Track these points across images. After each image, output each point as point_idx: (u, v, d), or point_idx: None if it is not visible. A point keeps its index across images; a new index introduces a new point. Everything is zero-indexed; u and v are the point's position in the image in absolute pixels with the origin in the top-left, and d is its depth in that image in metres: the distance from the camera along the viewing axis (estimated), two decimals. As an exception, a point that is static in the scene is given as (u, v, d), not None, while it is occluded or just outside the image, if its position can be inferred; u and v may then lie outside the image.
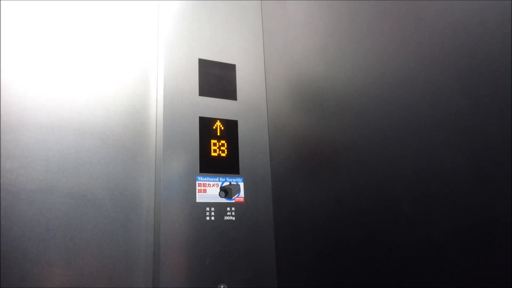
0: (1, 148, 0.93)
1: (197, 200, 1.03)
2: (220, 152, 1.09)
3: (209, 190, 1.05)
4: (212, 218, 1.03)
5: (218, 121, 1.11)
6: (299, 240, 0.97)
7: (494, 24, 0.51)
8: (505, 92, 0.49)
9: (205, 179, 1.05)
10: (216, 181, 1.06)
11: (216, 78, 1.15)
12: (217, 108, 1.12)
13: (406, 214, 0.63)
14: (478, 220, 0.52)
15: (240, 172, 1.10)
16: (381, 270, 0.69)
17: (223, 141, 1.10)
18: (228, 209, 1.06)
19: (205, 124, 1.09)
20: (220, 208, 1.05)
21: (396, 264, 0.65)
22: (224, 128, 1.11)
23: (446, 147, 0.57)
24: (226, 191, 1.06)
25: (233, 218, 1.05)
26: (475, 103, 0.53)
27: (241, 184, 1.09)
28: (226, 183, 1.07)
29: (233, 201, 1.06)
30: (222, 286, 0.98)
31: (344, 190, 0.80)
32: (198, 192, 1.03)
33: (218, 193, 1.05)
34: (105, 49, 1.11)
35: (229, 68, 1.18)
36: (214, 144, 1.08)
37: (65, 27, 1.07)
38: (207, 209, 1.03)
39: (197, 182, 1.04)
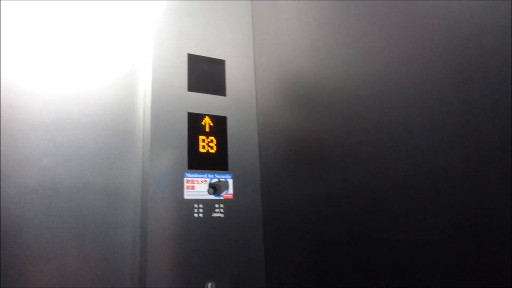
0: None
1: (185, 197, 1.01)
2: (209, 148, 1.07)
3: (197, 186, 1.03)
4: (201, 215, 1.02)
5: (207, 117, 1.09)
6: (288, 237, 0.97)
7: (487, 21, 0.51)
8: (497, 89, 0.49)
9: (194, 175, 1.04)
10: (204, 177, 1.05)
11: (205, 74, 1.13)
12: (206, 103, 1.11)
13: (397, 211, 0.63)
14: (470, 217, 0.52)
15: (229, 169, 1.08)
16: (371, 267, 0.69)
17: (211, 137, 1.08)
18: (217, 205, 1.04)
19: (194, 120, 1.07)
20: (208, 205, 1.03)
21: (387, 261, 0.65)
22: (213, 124, 1.10)
23: (437, 144, 0.57)
24: (214, 188, 1.05)
25: (222, 215, 1.04)
26: (467, 100, 0.53)
27: (230, 181, 1.08)
28: (214, 180, 1.06)
29: (222, 197, 1.05)
30: (210, 284, 0.97)
31: (333, 187, 0.80)
32: (186, 188, 1.02)
33: (206, 190, 1.04)
34: (98, 45, 1.09)
35: (219, 64, 1.16)
36: (203, 140, 1.07)
37: (65, 27, 1.07)
38: (195, 206, 1.02)
39: (185, 179, 1.02)
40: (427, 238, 0.58)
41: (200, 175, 1.04)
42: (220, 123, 1.11)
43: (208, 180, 1.05)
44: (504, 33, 0.48)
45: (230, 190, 1.07)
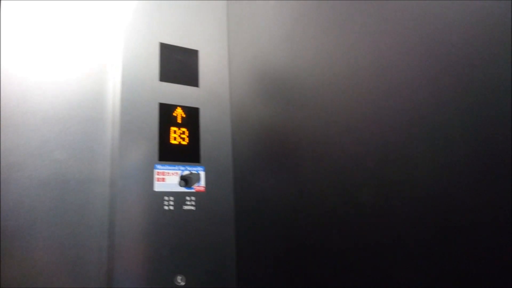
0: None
1: (155, 189, 0.99)
2: (181, 140, 1.05)
3: (168, 178, 1.01)
4: (171, 207, 1.00)
5: (179, 107, 1.07)
6: (259, 231, 0.97)
7: (461, 14, 0.52)
8: (465, 81, 0.50)
9: (164, 167, 1.02)
10: (175, 169, 1.03)
11: (178, 64, 1.11)
12: (178, 94, 1.09)
13: (369, 205, 0.64)
14: (441, 214, 0.53)
15: (201, 161, 1.07)
16: (342, 260, 0.69)
17: (183, 129, 1.06)
18: (188, 198, 1.03)
19: (165, 110, 1.05)
20: (179, 198, 1.02)
21: (356, 255, 0.66)
22: (185, 115, 1.07)
23: (410, 139, 0.57)
24: (186, 180, 1.03)
25: (193, 208, 1.03)
26: (437, 93, 0.54)
27: (202, 173, 1.06)
28: (186, 172, 1.04)
29: (193, 190, 1.04)
30: (180, 277, 0.96)
31: (306, 181, 0.80)
32: (157, 180, 0.99)
33: (177, 182, 1.02)
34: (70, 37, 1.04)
35: (192, 54, 1.14)
36: (174, 132, 1.05)
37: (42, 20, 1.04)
38: (166, 198, 1.00)
39: (155, 171, 1.00)
40: (398, 231, 0.58)
41: (171, 167, 1.02)
42: (192, 114, 1.09)
43: (179, 172, 1.03)
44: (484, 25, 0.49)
45: (202, 182, 1.06)
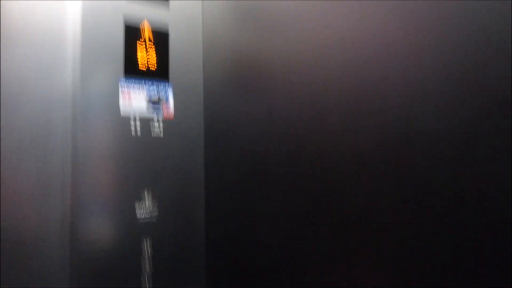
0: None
1: (121, 110, 0.94)
2: (148, 56, 0.99)
3: (134, 98, 0.96)
4: (138, 134, 0.96)
5: (146, 22, 1.00)
6: (229, 156, 0.95)
7: None
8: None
9: (130, 82, 0.96)
10: (142, 84, 0.97)
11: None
12: (146, 10, 1.02)
13: (338, 130, 0.64)
14: (403, 134, 0.53)
15: (169, 79, 1.02)
16: (308, 183, 0.70)
17: (150, 43, 1.00)
18: (157, 125, 0.99)
19: (132, 26, 0.98)
20: (147, 124, 0.97)
21: (324, 176, 0.66)
22: (152, 32, 1.01)
23: (378, 63, 0.57)
24: (154, 102, 0.99)
25: (161, 136, 0.99)
26: (408, 22, 0.53)
27: (170, 92, 1.02)
28: (153, 94, 0.99)
29: (162, 118, 0.99)
30: (146, 192, 0.93)
31: (276, 105, 0.79)
32: (122, 99, 0.94)
33: (143, 102, 0.97)
34: None
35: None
36: (141, 45, 0.98)
37: None
38: (133, 123, 0.95)
39: (121, 85, 0.94)
40: (363, 152, 0.59)
41: (137, 82, 0.97)
42: (161, 32, 1.02)
43: (145, 90, 0.98)
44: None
45: (171, 107, 1.01)
